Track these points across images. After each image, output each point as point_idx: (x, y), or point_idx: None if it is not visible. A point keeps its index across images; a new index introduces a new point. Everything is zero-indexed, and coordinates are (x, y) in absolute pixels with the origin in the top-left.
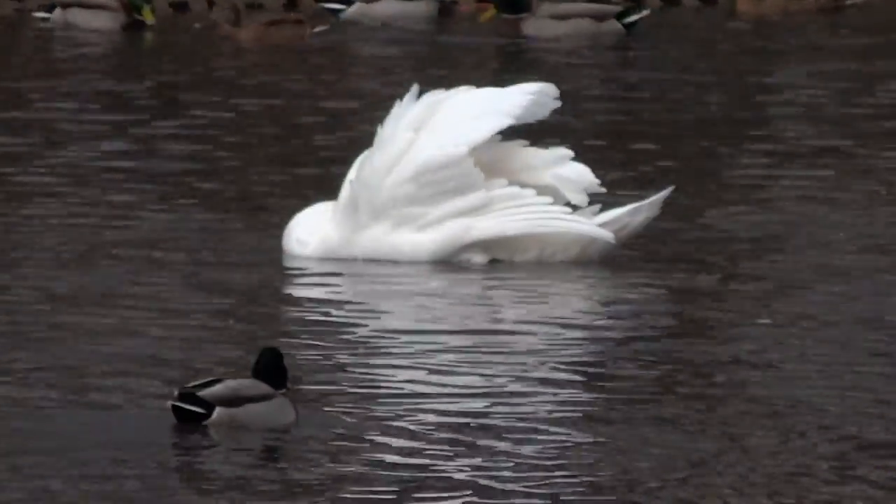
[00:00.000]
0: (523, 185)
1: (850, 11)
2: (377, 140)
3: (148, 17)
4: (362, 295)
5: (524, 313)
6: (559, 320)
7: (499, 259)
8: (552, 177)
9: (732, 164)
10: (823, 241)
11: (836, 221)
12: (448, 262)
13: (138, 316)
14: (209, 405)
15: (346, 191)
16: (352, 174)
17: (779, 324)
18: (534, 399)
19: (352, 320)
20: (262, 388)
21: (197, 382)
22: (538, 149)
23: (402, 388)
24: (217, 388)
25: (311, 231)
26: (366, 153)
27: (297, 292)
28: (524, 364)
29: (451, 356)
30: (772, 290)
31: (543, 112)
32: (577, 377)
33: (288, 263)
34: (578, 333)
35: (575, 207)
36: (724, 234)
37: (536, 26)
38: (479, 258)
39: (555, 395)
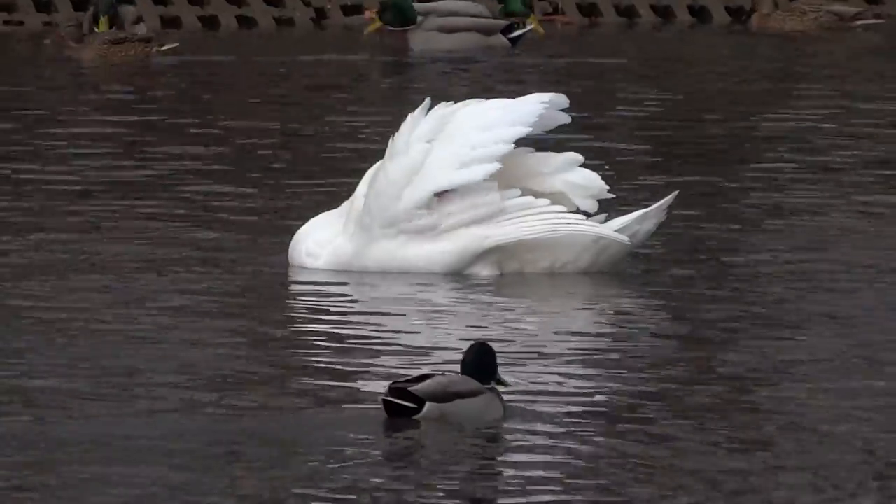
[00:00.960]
0: (532, 192)
1: (857, 31)
2: (390, 152)
3: None
4: (398, 304)
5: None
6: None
7: (509, 271)
8: (561, 183)
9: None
10: (846, 251)
11: (860, 229)
12: (461, 273)
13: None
14: (420, 400)
15: (358, 202)
16: (362, 187)
17: (802, 332)
18: None
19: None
20: (472, 384)
21: (408, 378)
22: (547, 154)
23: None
24: (428, 384)
25: (321, 243)
26: (377, 165)
27: (319, 302)
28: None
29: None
30: (793, 301)
31: (553, 123)
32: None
33: (297, 276)
34: (595, 345)
35: (587, 214)
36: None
37: (423, 39)
38: (489, 270)
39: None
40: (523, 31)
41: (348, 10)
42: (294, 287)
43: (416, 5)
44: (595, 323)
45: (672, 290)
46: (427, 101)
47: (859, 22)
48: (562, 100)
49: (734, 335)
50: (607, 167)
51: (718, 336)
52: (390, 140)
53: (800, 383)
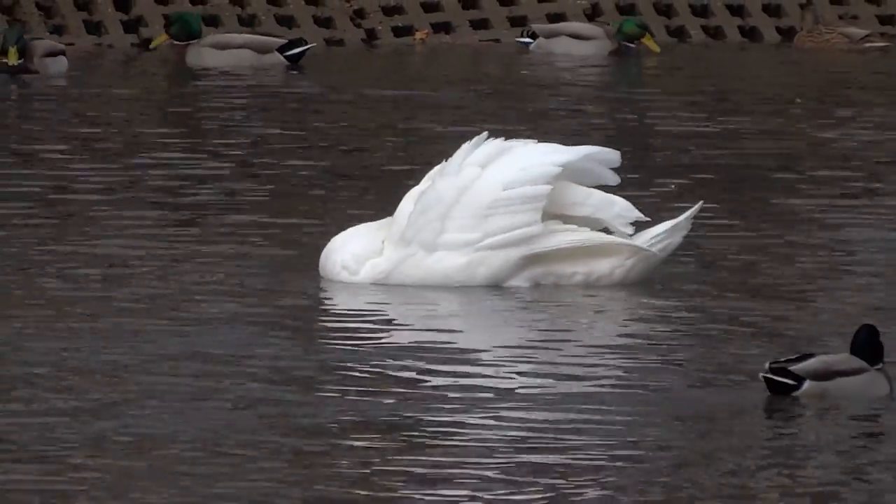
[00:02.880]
0: (569, 219)
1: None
2: (441, 173)
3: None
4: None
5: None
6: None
7: (545, 284)
8: (597, 211)
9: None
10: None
11: None
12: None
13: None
14: (799, 378)
15: (401, 220)
16: (406, 206)
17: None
18: None
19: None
20: (856, 362)
21: (789, 357)
22: (581, 186)
23: None
24: (809, 363)
25: (358, 257)
26: (422, 185)
27: (359, 315)
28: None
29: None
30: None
31: (599, 181)
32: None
33: (330, 289)
34: (631, 354)
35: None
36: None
37: (198, 55)
38: (526, 284)
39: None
40: (304, 48)
41: (399, 32)
42: (332, 303)
43: (537, 27)
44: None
45: (699, 300)
46: (485, 134)
47: (868, 45)
48: (615, 156)
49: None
50: (644, 192)
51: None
52: (440, 165)
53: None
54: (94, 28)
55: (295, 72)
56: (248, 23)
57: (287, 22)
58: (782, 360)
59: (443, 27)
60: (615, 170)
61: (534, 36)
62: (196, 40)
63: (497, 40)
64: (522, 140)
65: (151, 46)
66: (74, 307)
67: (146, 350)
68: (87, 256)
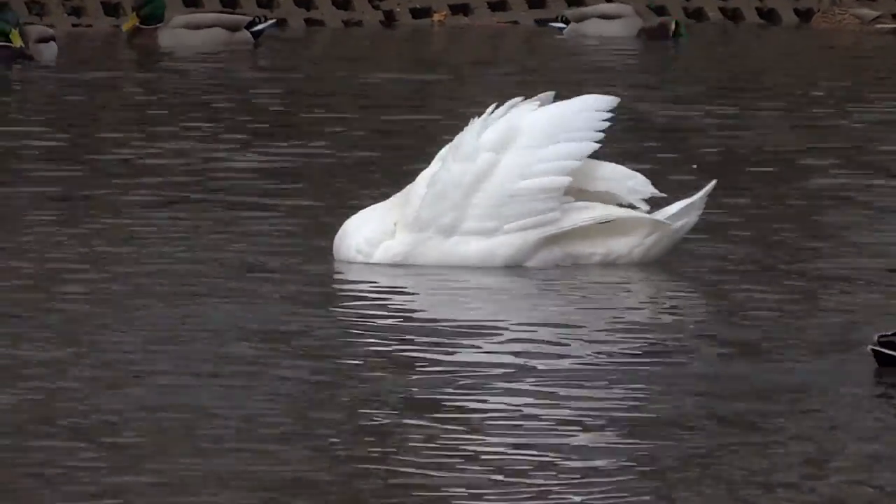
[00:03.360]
0: (584, 193)
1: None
2: (454, 155)
3: (16, 41)
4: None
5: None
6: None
7: (564, 265)
8: (613, 186)
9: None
10: None
11: None
12: (517, 266)
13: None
14: None
15: (415, 201)
16: (420, 188)
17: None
18: None
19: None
20: None
21: None
22: (597, 161)
23: None
24: None
25: (371, 241)
26: (434, 166)
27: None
28: None
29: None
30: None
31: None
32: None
33: (345, 271)
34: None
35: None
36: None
37: (171, 36)
38: (545, 264)
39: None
40: (264, 25)
41: (417, 13)
42: (348, 284)
43: (568, 13)
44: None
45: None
46: (493, 106)
47: (879, 26)
48: (613, 102)
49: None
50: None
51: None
52: (451, 143)
53: (859, 388)
54: (74, 11)
55: (259, 47)
56: (266, 4)
57: (305, 3)
58: (890, 333)
59: (461, 9)
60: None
61: (566, 21)
62: (162, 23)
63: (515, 22)
64: (524, 105)
65: (124, 29)
66: (98, 284)
67: (164, 327)
68: (107, 233)
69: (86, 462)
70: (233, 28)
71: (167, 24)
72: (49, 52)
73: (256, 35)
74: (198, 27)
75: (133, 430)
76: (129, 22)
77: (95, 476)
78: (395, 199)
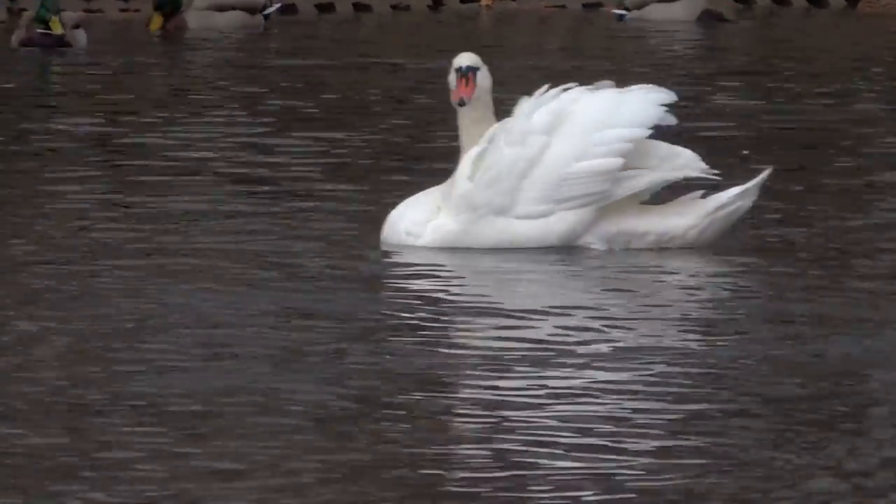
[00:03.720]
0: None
1: None
2: (505, 137)
3: (56, 28)
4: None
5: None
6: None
7: (618, 245)
8: (663, 162)
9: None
10: None
11: None
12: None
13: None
14: None
15: (461, 183)
16: (465, 169)
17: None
18: None
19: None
20: None
21: None
22: (652, 141)
23: None
24: None
25: (418, 222)
26: (480, 147)
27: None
28: None
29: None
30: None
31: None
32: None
33: (397, 255)
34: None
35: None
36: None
37: (198, 18)
38: (599, 244)
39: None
40: (272, 9)
41: None
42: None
43: (616, 12)
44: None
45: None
46: (545, 87)
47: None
48: (671, 97)
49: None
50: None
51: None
52: (500, 125)
53: None
54: None
55: (269, 30)
56: None
57: None
58: None
59: None
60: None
61: (627, 9)
62: (184, 7)
63: (563, 6)
64: (577, 89)
65: (151, 30)
66: (149, 258)
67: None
68: (158, 215)
69: (155, 443)
70: (252, 10)
71: (191, 6)
72: (81, 38)
73: (266, 18)
74: (221, 9)
75: (200, 415)
76: (154, 22)
77: (171, 460)
78: (445, 186)
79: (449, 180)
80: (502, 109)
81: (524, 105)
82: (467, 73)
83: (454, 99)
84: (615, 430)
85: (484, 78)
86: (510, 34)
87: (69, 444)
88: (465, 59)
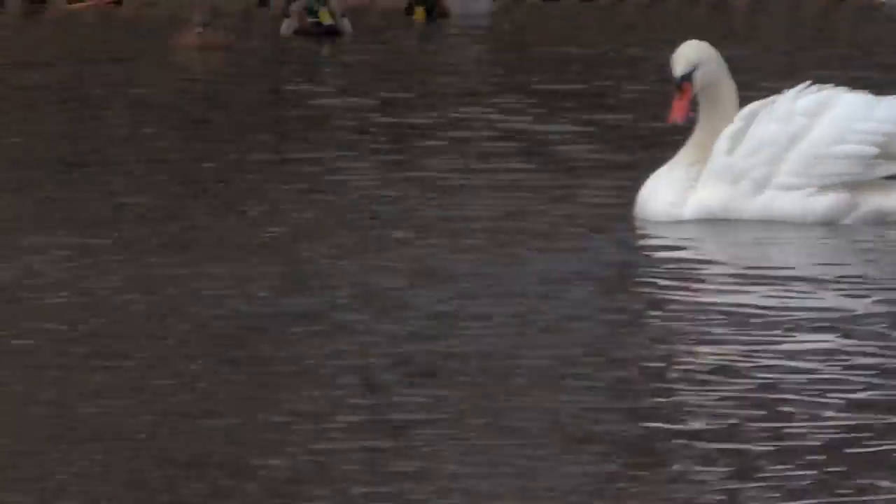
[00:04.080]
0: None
1: None
2: (770, 114)
3: (325, 18)
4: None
5: None
6: None
7: (882, 223)
8: None
9: None
10: None
11: None
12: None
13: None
14: None
15: (718, 158)
16: (723, 144)
17: None
18: None
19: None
20: None
21: None
22: None
23: None
24: None
25: (678, 193)
26: (736, 125)
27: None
28: None
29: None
30: None
31: None
32: None
33: (653, 229)
34: None
35: None
36: None
37: (460, 1)
38: (862, 222)
39: None
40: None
41: None
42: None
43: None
44: None
45: None
46: (809, 82)
47: None
48: None
49: None
50: None
51: None
52: (758, 103)
53: None
54: None
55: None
56: None
57: None
58: None
59: None
60: None
61: None
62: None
63: None
64: (844, 89)
65: (416, 19)
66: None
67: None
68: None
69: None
70: None
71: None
72: (347, 26)
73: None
74: None
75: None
76: (418, 14)
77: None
78: (681, 156)
79: (679, 154)
80: (754, 95)
81: (789, 93)
82: (680, 84)
83: (667, 121)
84: None
85: (704, 74)
86: (764, 24)
87: None
88: (679, 60)
